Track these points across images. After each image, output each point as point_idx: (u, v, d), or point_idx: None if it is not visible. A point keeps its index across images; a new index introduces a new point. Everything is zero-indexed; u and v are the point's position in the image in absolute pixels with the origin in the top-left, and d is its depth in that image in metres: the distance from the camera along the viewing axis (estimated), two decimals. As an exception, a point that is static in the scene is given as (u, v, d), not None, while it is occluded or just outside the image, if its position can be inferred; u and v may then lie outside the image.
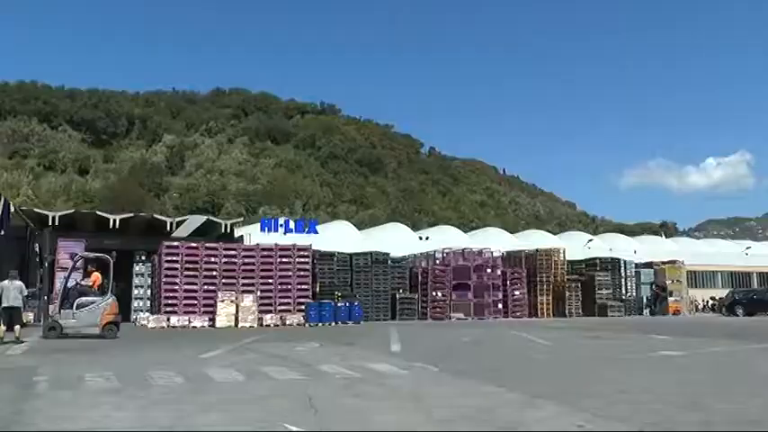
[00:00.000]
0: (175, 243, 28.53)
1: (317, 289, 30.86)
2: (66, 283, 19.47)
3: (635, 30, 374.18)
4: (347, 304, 29.66)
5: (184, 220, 34.43)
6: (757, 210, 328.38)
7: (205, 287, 27.45)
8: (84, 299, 18.51)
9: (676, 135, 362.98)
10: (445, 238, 47.77)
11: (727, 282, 60.89)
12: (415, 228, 63.56)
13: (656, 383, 9.00)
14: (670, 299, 42.53)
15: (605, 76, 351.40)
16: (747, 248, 68.32)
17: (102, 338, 17.58)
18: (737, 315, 37.21)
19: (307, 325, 27.11)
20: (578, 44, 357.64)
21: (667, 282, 43.60)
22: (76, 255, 21.94)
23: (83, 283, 19.84)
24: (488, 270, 36.26)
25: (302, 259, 29.57)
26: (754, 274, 63.24)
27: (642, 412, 6.59)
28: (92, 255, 21.73)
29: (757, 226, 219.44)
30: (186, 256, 27.68)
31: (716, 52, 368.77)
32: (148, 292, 31.92)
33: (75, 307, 18.28)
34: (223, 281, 27.75)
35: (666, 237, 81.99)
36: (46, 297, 24.67)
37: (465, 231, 59.24)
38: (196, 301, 27.27)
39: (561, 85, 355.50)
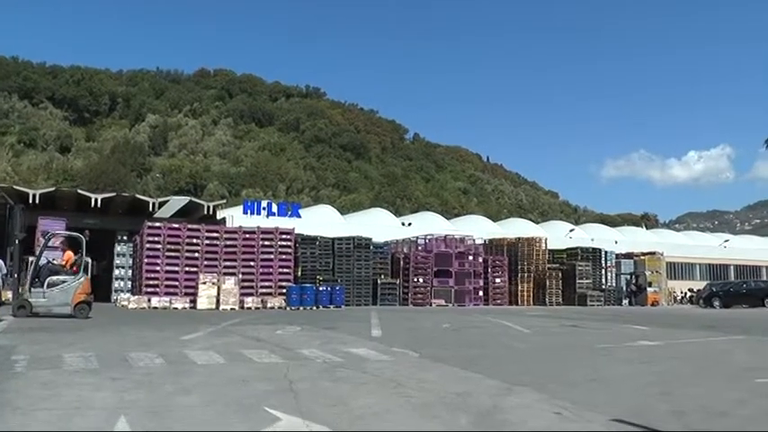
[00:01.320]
0: (157, 224, 28.45)
1: (299, 273, 30.92)
2: (38, 261, 19.16)
3: (622, 24, 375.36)
4: (329, 288, 29.72)
5: (167, 201, 34.35)
6: (736, 203, 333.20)
7: (187, 269, 27.43)
8: (55, 277, 18.22)
9: (660, 127, 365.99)
10: (428, 225, 47.95)
11: (706, 274, 61.61)
12: (397, 213, 63.76)
13: (632, 372, 9.12)
14: (649, 290, 42.96)
15: (591, 68, 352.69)
16: (726, 241, 69.22)
17: (74, 318, 17.41)
18: (714, 307, 37.65)
19: (288, 308, 27.13)
20: (566, 36, 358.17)
21: (647, 272, 44.02)
22: (48, 233, 21.63)
23: (55, 261, 19.59)
24: (470, 257, 36.46)
25: (284, 243, 29.61)
26: (732, 267, 64.05)
27: (618, 400, 6.69)
28: (65, 233, 21.56)
29: (736, 219, 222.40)
30: (168, 237, 27.64)
31: (701, 48, 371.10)
32: (129, 272, 31.82)
33: (45, 285, 18.05)
34: (205, 263, 27.74)
35: (647, 228, 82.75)
36: (16, 275, 24.43)
37: (447, 218, 59.44)
38: (177, 283, 27.25)
39: (547, 76, 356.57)
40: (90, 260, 19.13)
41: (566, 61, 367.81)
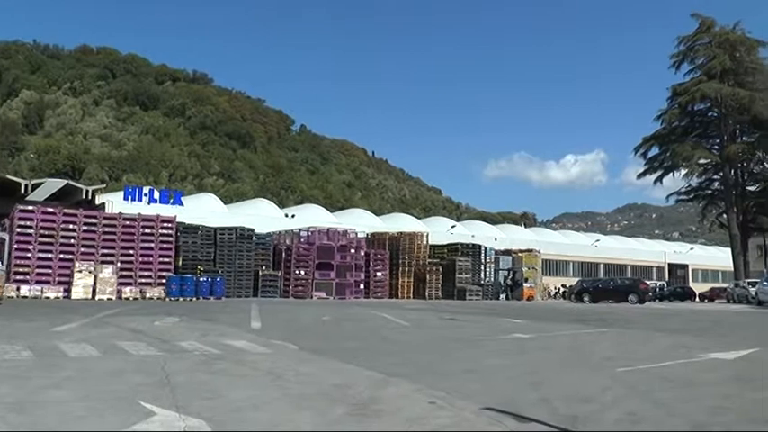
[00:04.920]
0: (30, 207, 27.26)
1: (180, 263, 30.33)
2: None
3: (511, 27, 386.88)
4: (209, 279, 29.30)
5: (41, 183, 33.00)
6: (607, 205, 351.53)
7: (61, 255, 26.45)
8: None
9: (540, 131, 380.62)
10: (311, 217, 47.91)
11: (578, 271, 64.65)
12: (281, 205, 63.38)
13: (505, 364, 9.51)
14: (525, 285, 44.53)
15: (478, 71, 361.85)
16: (597, 241, 72.84)
17: None
18: (584, 302, 39.53)
19: (167, 299, 26.67)
20: (455, 35, 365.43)
21: (524, 269, 45.62)
22: None
23: None
24: (352, 250, 36.74)
25: (166, 231, 29.02)
26: (601, 265, 67.59)
27: (490, 390, 6.98)
28: None
29: (606, 220, 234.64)
30: (42, 221, 26.54)
31: (582, 58, 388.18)
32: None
33: None
34: (81, 250, 26.82)
35: (526, 226, 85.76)
36: None
37: (331, 211, 59.53)
38: (51, 270, 26.21)
39: (434, 75, 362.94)
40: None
41: (452, 61, 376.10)
